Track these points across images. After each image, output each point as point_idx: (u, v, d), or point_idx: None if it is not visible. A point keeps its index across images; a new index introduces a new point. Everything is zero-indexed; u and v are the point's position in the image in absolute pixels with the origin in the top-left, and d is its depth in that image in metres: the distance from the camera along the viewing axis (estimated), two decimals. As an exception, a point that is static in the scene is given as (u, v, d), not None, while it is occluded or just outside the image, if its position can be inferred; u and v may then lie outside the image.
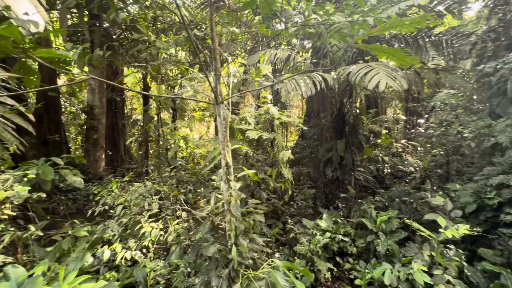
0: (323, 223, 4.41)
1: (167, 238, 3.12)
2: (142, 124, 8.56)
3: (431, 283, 2.99)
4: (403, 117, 9.78)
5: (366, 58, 5.97)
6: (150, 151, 9.86)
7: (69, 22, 7.82)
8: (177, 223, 3.71)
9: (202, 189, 4.84)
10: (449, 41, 6.07)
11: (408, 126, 9.81)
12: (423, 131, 6.94)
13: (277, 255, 4.54)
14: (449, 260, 3.19)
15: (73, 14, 7.89)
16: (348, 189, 5.48)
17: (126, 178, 4.23)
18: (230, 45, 6.79)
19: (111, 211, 3.95)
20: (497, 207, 3.59)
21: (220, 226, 2.74)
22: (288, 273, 2.15)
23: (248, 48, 7.65)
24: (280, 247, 4.98)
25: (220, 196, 2.75)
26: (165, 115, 12.51)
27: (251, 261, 2.43)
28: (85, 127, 7.77)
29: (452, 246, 3.41)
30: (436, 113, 6.48)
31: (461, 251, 3.40)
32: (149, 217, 3.56)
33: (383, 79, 3.60)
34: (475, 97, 6.04)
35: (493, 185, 3.62)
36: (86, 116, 8.12)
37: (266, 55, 5.63)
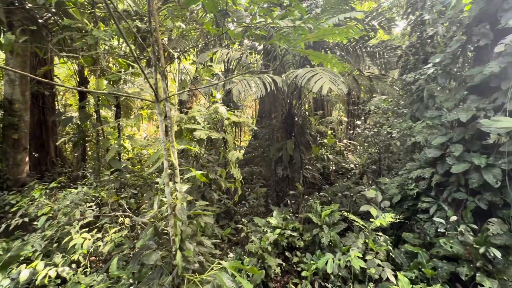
0: (273, 220, 4.55)
1: (105, 248, 2.82)
2: (78, 122, 7.58)
3: (365, 267, 3.35)
4: (345, 119, 10.78)
5: (312, 63, 6.38)
6: (89, 153, 8.82)
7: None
8: (116, 232, 3.39)
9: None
10: (381, 53, 6.91)
11: (349, 127, 10.85)
12: (360, 131, 7.74)
13: (231, 255, 4.53)
14: (379, 246, 3.62)
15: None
16: (297, 186, 5.78)
17: (54, 184, 3.68)
18: (180, 41, 6.51)
19: (36, 223, 3.39)
20: (416, 196, 4.22)
21: (164, 231, 2.59)
22: (235, 273, 2.15)
23: (200, 46, 7.45)
24: (233, 247, 4.99)
25: (165, 200, 2.60)
26: (108, 113, 11.34)
27: (197, 265, 2.36)
28: (2, 125, 6.53)
29: (380, 233, 3.87)
30: (371, 115, 7.29)
31: (388, 236, 3.89)
32: (82, 227, 3.16)
33: (326, 83, 3.89)
34: (401, 102, 6.98)
35: (413, 178, 4.23)
36: (3, 112, 6.83)
37: (218, 54, 5.56)
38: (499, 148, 3.27)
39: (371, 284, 3.26)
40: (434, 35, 5.24)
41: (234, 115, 3.56)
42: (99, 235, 3.34)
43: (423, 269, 3.32)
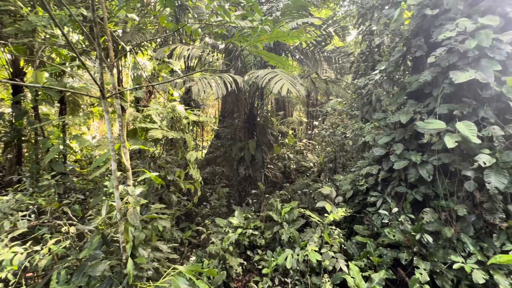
0: (235, 220, 4.54)
1: (41, 262, 2.50)
2: (11, 119, 6.59)
3: (321, 260, 3.54)
4: (305, 119, 11.29)
5: (273, 64, 6.53)
6: (26, 155, 7.74)
7: None
8: (60, 241, 3.04)
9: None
10: (336, 58, 7.38)
11: (309, 127, 11.39)
12: (318, 132, 8.18)
13: (193, 258, 4.41)
14: (334, 239, 3.86)
15: None
16: (259, 186, 5.86)
17: (-25, 192, 3.13)
18: (136, 34, 6.10)
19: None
20: (365, 191, 4.60)
21: (115, 238, 2.40)
22: (192, 277, 2.08)
23: (158, 40, 7.08)
24: (194, 250, 4.86)
25: (115, 204, 2.41)
26: (50, 110, 10.09)
27: (151, 272, 2.23)
28: None
29: (334, 227, 4.14)
30: (328, 117, 7.75)
31: (341, 229, 4.17)
32: (15, 239, 2.76)
33: (285, 85, 4.01)
34: (354, 105, 7.56)
35: (363, 174, 4.61)
36: None
37: (178, 50, 5.35)
38: (431, 147, 3.74)
39: (326, 275, 3.46)
40: (380, 44, 5.77)
41: (194, 114, 3.46)
42: (37, 247, 2.96)
43: (371, 257, 3.63)
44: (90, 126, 12.74)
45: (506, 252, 3.06)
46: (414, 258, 3.37)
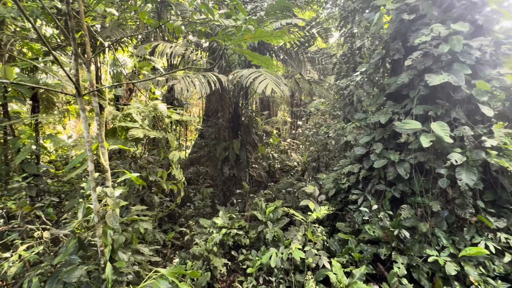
0: (219, 220, 4.51)
1: (11, 270, 2.34)
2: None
3: (305, 257, 3.60)
4: (289, 119, 11.43)
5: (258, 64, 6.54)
6: (-7, 155, 7.22)
7: None
8: (33, 247, 2.86)
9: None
10: (319, 59, 7.52)
11: (293, 127, 11.53)
12: (302, 131, 8.30)
13: (177, 260, 4.33)
14: (317, 236, 3.94)
15: None
16: (244, 185, 5.85)
17: None
18: (116, 30, 5.88)
19: None
20: (347, 189, 4.72)
21: (92, 242, 2.29)
22: (175, 280, 2.04)
23: (140, 37, 6.87)
24: (177, 252, 4.77)
25: (92, 207, 2.31)
26: (21, 107, 9.49)
27: (131, 276, 2.16)
28: None
29: (317, 225, 4.22)
30: (312, 117, 7.88)
31: (324, 227, 4.26)
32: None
33: (269, 84, 4.03)
34: (336, 105, 7.74)
35: (345, 173, 4.73)
36: None
37: (160, 47, 5.22)
38: (408, 146, 3.91)
39: (309, 273, 3.52)
40: (361, 47, 5.95)
41: (176, 113, 3.38)
42: (7, 254, 2.77)
43: (352, 254, 3.74)
44: (66, 125, 12.12)
45: (475, 244, 3.27)
46: (393, 253, 3.51)
